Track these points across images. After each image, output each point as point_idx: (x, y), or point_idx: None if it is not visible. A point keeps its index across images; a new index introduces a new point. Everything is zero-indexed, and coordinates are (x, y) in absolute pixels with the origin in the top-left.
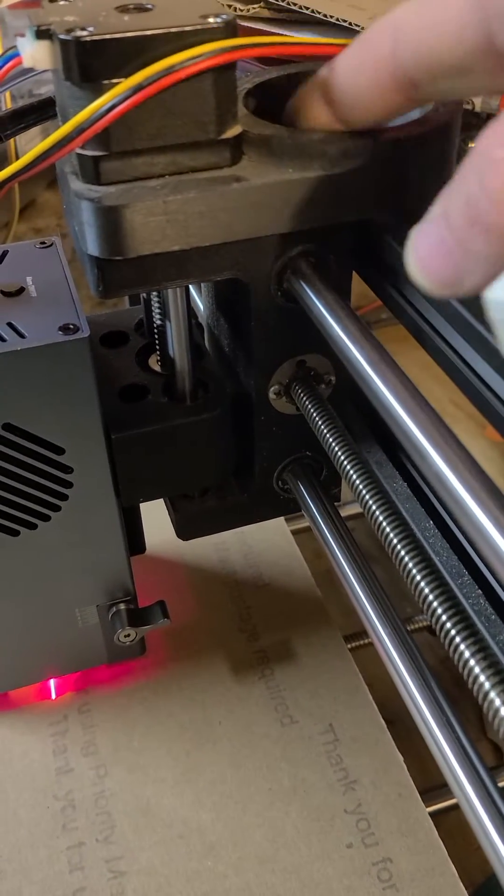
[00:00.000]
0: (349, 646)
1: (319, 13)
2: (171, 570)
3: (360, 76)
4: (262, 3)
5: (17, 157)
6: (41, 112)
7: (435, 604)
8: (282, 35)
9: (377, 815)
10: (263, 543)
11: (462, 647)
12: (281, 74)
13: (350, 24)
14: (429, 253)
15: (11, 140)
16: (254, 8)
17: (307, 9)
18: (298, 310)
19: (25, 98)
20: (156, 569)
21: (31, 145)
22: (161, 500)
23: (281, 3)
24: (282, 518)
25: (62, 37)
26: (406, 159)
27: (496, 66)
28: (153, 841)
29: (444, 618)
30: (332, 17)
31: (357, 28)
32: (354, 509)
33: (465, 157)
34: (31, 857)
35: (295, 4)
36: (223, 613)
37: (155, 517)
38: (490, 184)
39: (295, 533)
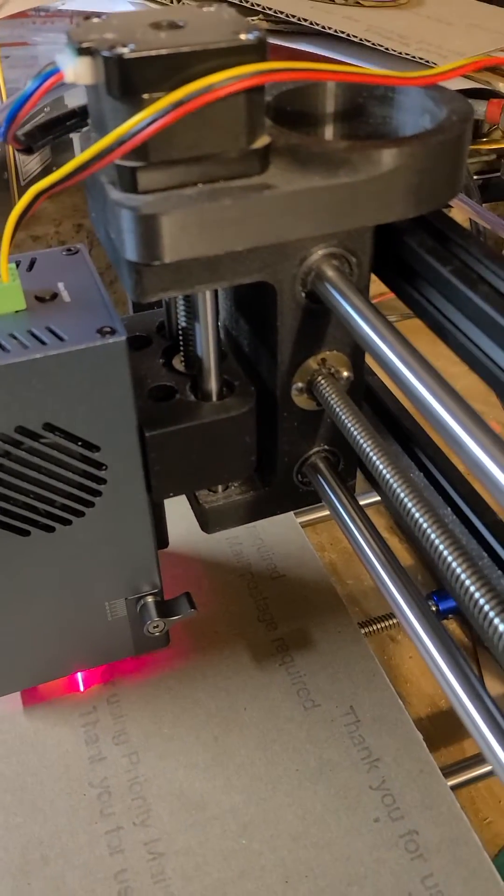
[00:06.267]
0: None
1: (317, 24)
2: (188, 564)
3: None
4: (260, 16)
5: (16, 164)
6: (64, 123)
7: (466, 580)
8: (323, 56)
9: (401, 790)
10: (275, 537)
11: (498, 623)
12: (297, 86)
13: (348, 35)
14: None
15: (10, 149)
16: (253, 20)
17: (305, 20)
18: (321, 310)
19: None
20: (173, 563)
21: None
22: (174, 498)
23: (279, 15)
24: (291, 512)
25: (105, 54)
26: (425, 167)
27: None
28: (188, 823)
29: (474, 592)
30: (328, 27)
31: (354, 39)
32: (364, 501)
33: None
34: (71, 842)
35: (293, 16)
36: (241, 605)
37: (168, 514)
38: None
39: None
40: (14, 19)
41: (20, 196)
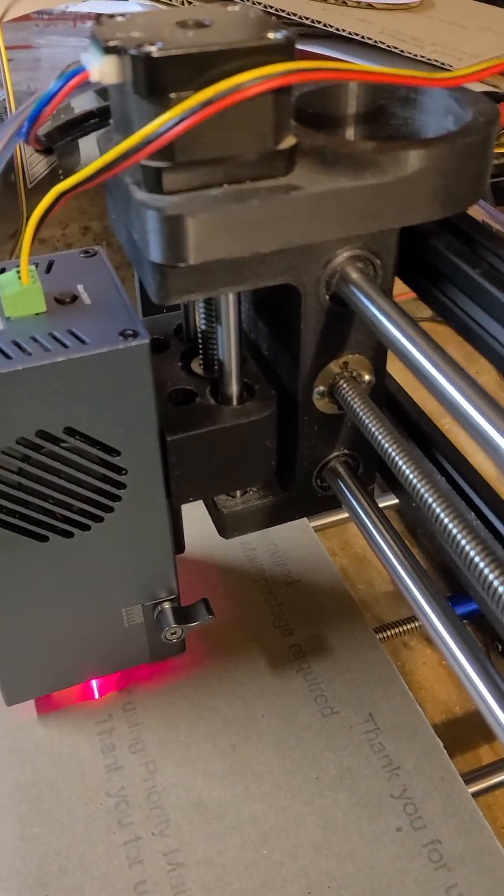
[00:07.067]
0: None
1: (332, 27)
2: (202, 570)
3: None
4: (273, 18)
5: (23, 166)
6: (83, 124)
7: (500, 587)
8: (338, 58)
9: (423, 798)
10: (289, 542)
11: None
12: (319, 87)
13: (362, 37)
14: None
15: (18, 150)
16: None
17: (319, 22)
18: (344, 313)
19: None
20: (187, 569)
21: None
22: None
23: (292, 18)
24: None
25: (133, 52)
26: (451, 168)
27: None
28: (208, 833)
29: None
30: (343, 30)
31: (368, 41)
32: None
33: None
34: (89, 852)
35: (307, 18)
36: (256, 611)
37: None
38: None
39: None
40: (17, 22)
41: (27, 198)
